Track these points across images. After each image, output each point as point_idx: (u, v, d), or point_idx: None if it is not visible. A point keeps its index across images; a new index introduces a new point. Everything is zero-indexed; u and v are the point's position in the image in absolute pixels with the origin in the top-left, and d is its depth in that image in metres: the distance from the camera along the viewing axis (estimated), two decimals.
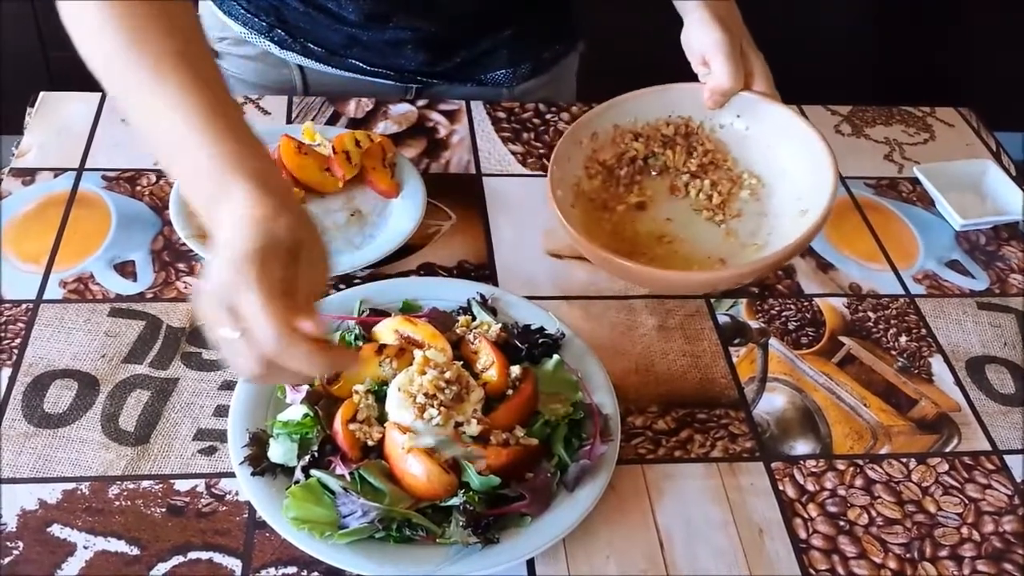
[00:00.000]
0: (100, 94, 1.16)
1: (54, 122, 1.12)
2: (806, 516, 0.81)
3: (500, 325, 0.87)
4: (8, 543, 0.73)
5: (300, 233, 0.67)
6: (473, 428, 0.77)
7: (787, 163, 0.91)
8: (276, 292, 0.64)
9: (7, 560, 0.72)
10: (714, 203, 0.93)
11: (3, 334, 0.87)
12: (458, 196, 1.08)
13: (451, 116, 1.20)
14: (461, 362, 0.82)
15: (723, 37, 0.90)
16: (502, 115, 1.21)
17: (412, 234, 1.01)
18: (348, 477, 0.74)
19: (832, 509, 0.82)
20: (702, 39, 0.91)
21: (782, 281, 1.03)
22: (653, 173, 0.96)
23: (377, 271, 0.98)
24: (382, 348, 0.83)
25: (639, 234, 0.93)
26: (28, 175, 1.04)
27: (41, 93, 1.15)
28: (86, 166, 1.06)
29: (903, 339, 0.98)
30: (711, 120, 0.96)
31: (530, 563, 0.76)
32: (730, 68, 0.90)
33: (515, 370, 0.82)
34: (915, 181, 1.18)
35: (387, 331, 0.86)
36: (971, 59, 2.58)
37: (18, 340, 0.87)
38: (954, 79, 2.50)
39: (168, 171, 0.77)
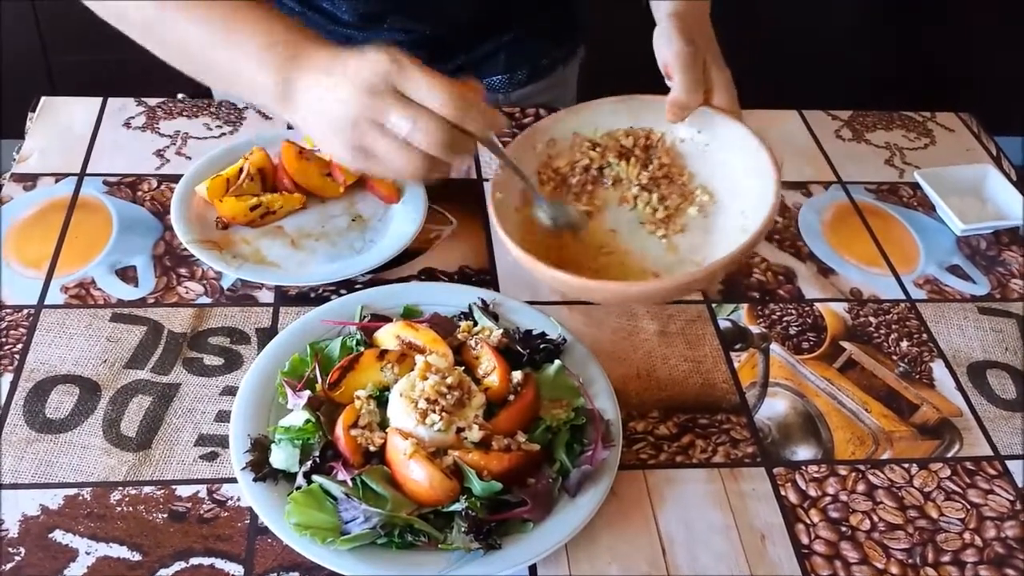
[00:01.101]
0: (101, 99, 1.16)
1: (55, 127, 1.12)
2: (808, 521, 0.81)
3: (502, 330, 0.87)
4: (10, 549, 0.73)
5: (389, 52, 0.74)
6: (475, 434, 0.77)
7: (738, 181, 0.89)
8: (425, 69, 0.72)
9: (9, 566, 0.72)
10: (658, 217, 0.91)
11: (4, 339, 0.87)
12: (459, 201, 1.08)
13: None
14: (463, 367, 0.82)
15: (684, 49, 0.87)
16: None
17: (413, 239, 1.01)
18: (350, 483, 0.74)
19: (834, 514, 0.82)
20: (664, 50, 0.88)
21: (783, 286, 1.03)
22: (607, 183, 0.95)
23: (378, 276, 0.98)
24: (383, 354, 0.83)
25: (579, 244, 0.92)
26: (29, 180, 1.04)
27: (42, 98, 1.16)
28: (87, 171, 1.06)
29: (904, 344, 0.98)
30: (672, 134, 0.94)
31: (532, 569, 0.76)
32: (689, 82, 0.87)
33: (517, 375, 0.82)
34: (916, 186, 1.18)
35: (388, 336, 0.86)
36: (971, 63, 2.59)
37: (19, 345, 0.87)
38: (954, 83, 2.50)
39: (220, 72, 0.83)
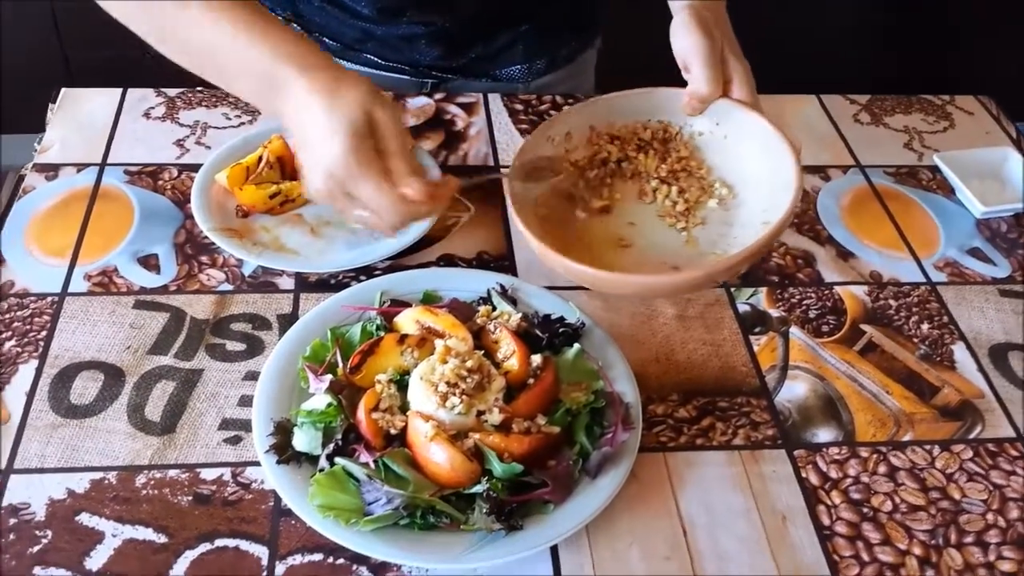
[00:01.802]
0: (121, 89, 1.17)
1: (76, 118, 1.13)
2: (829, 503, 0.81)
3: (520, 315, 0.88)
4: (37, 532, 0.74)
5: (365, 99, 0.76)
6: (495, 417, 0.77)
7: (758, 174, 0.88)
8: (376, 170, 0.76)
9: (36, 548, 0.72)
10: (678, 210, 0.91)
11: (29, 327, 0.88)
12: (477, 188, 1.08)
13: (468, 109, 1.20)
14: (482, 352, 0.83)
15: (703, 42, 0.87)
16: (519, 107, 1.21)
17: (431, 226, 1.01)
18: (372, 465, 0.74)
19: (856, 496, 0.82)
20: (682, 43, 0.88)
21: (802, 270, 1.03)
22: (625, 176, 0.95)
23: (397, 263, 0.98)
24: (403, 338, 0.83)
25: (596, 236, 0.92)
26: (51, 170, 1.05)
27: (63, 89, 1.16)
28: (108, 161, 1.07)
29: (925, 327, 0.98)
30: (691, 126, 0.93)
31: (553, 550, 0.76)
32: (708, 74, 0.87)
33: (536, 359, 0.83)
34: (935, 169, 1.18)
35: (408, 321, 0.86)
36: (991, 47, 2.56)
37: (44, 332, 0.88)
38: (973, 67, 2.48)
39: (214, 77, 0.83)
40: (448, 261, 1.00)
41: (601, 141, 0.95)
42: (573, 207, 0.93)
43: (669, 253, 0.89)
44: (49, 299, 0.91)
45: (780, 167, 0.84)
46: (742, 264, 0.80)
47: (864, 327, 0.97)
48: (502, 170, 0.88)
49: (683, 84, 0.91)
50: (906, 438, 0.87)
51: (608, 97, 0.95)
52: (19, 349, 0.86)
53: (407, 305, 0.89)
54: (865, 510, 0.81)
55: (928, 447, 0.86)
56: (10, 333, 0.88)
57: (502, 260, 1.00)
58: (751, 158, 0.89)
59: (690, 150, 0.94)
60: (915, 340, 0.96)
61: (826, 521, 0.80)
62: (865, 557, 0.78)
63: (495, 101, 1.22)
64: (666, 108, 0.94)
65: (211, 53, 0.81)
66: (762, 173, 0.87)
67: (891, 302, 1.00)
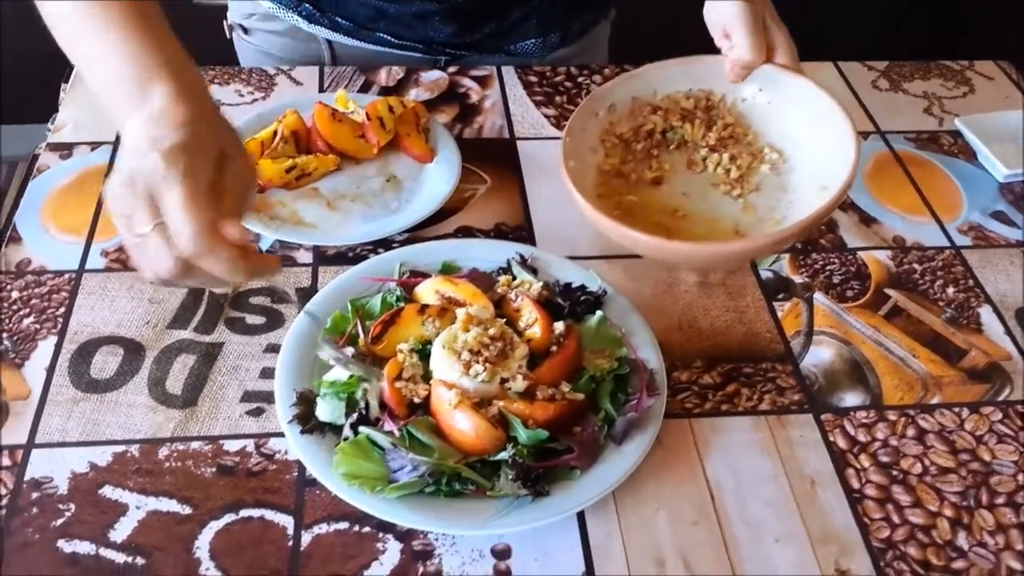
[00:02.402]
0: None
1: (88, 97, 1.11)
2: (858, 466, 0.80)
3: (541, 283, 0.87)
4: (60, 505, 0.73)
5: (225, 139, 0.67)
6: (519, 384, 0.76)
7: (809, 137, 0.88)
8: (202, 190, 0.63)
9: (60, 522, 0.72)
10: (732, 177, 0.90)
11: (47, 303, 0.88)
12: (493, 160, 1.08)
13: (482, 82, 1.19)
14: (504, 321, 0.82)
15: (744, 8, 0.87)
16: (534, 79, 1.20)
17: (448, 198, 1.00)
18: (397, 433, 0.73)
19: (885, 459, 0.81)
20: (723, 11, 0.88)
21: (825, 235, 1.02)
22: (671, 147, 0.94)
23: (414, 235, 0.98)
24: (424, 308, 0.82)
25: (652, 208, 0.91)
26: (65, 149, 1.05)
27: (75, 69, 1.15)
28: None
29: (950, 290, 0.96)
30: (733, 93, 0.93)
31: (580, 517, 0.75)
32: (752, 40, 0.87)
33: (559, 326, 0.82)
34: (956, 134, 1.16)
35: (428, 292, 0.86)
36: (1007, 10, 2.53)
37: (62, 309, 0.87)
38: (990, 31, 2.45)
39: (85, 79, 0.74)
40: (466, 233, 0.99)
41: (644, 112, 0.94)
42: (625, 183, 0.92)
43: (728, 221, 0.89)
44: (67, 276, 0.91)
45: (832, 128, 0.84)
46: (812, 226, 0.80)
47: (889, 291, 0.96)
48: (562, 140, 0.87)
49: (708, 52, 0.90)
50: (934, 401, 0.86)
51: (649, 68, 0.95)
52: (38, 326, 0.86)
53: (426, 276, 0.88)
54: (895, 473, 0.80)
55: (956, 410, 0.85)
56: (28, 310, 0.87)
57: (520, 231, 0.99)
58: (800, 122, 0.89)
59: (735, 117, 0.93)
60: (940, 304, 0.95)
61: (855, 484, 0.79)
62: (896, 519, 0.77)
63: (509, 73, 1.20)
64: (707, 76, 0.93)
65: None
66: (813, 136, 0.87)
67: (915, 266, 0.99)
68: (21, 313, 0.87)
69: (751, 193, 0.90)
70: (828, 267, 0.98)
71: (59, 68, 1.13)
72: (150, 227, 0.63)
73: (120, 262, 0.92)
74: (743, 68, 0.88)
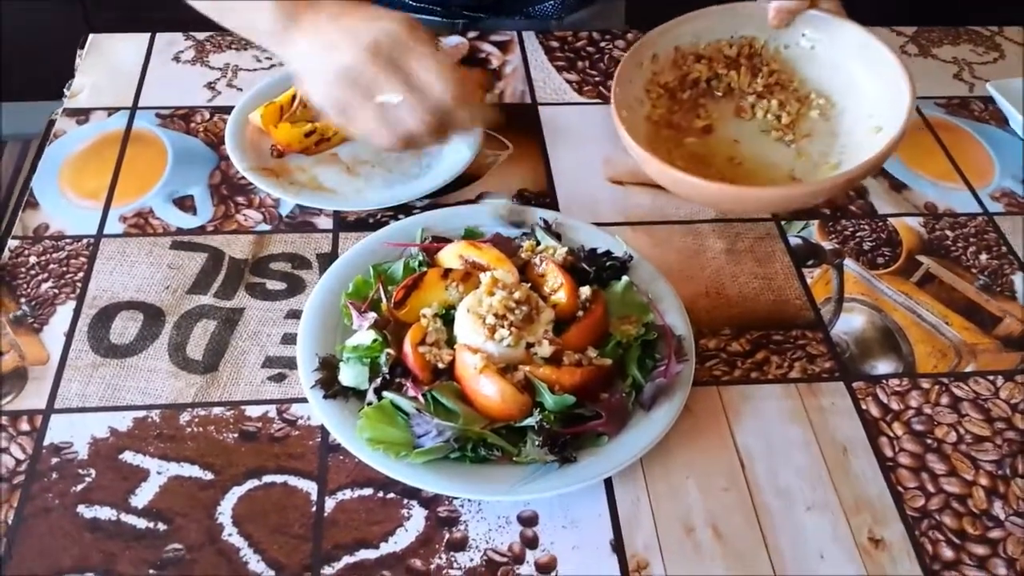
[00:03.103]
0: (149, 34, 1.15)
1: (105, 63, 1.11)
2: (892, 435, 0.78)
3: (566, 249, 0.85)
4: (80, 470, 0.72)
5: (397, 14, 0.73)
6: (545, 349, 0.75)
7: (857, 81, 0.88)
8: (431, 46, 0.71)
9: (80, 487, 0.71)
10: (783, 123, 0.90)
11: (65, 268, 0.87)
12: (514, 126, 1.06)
13: (503, 47, 1.17)
14: (529, 285, 0.80)
15: None
16: (555, 44, 1.18)
17: (469, 164, 0.98)
18: (421, 399, 0.72)
19: (918, 427, 0.79)
20: None
21: (854, 202, 0.99)
22: (717, 95, 0.93)
23: (435, 201, 0.96)
24: (447, 272, 0.81)
25: (707, 157, 0.90)
26: (82, 115, 1.03)
27: (90, 35, 1.14)
28: (139, 105, 1.05)
29: (983, 257, 0.94)
30: (776, 40, 0.92)
31: (608, 483, 0.74)
32: None
33: (585, 291, 0.80)
34: (987, 100, 1.14)
35: (451, 256, 0.84)
36: None
37: (81, 274, 0.86)
38: None
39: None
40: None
41: (688, 61, 0.93)
42: (675, 132, 0.91)
43: (784, 167, 0.88)
44: (85, 241, 0.89)
45: (880, 70, 0.84)
46: (874, 168, 0.79)
47: (920, 258, 0.94)
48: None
49: None
50: (968, 369, 0.84)
51: (689, 16, 0.94)
52: (56, 291, 0.85)
53: (449, 241, 0.87)
54: (929, 441, 0.78)
55: (991, 377, 0.83)
56: (47, 275, 0.86)
57: (543, 197, 0.98)
58: (846, 66, 0.88)
59: (780, 63, 0.92)
60: (974, 271, 0.93)
61: (889, 453, 0.77)
62: (930, 488, 0.75)
63: (530, 39, 1.18)
64: (749, 23, 0.93)
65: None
66: (861, 79, 0.87)
67: (947, 233, 0.97)
68: (39, 278, 0.86)
69: (803, 139, 0.89)
70: (858, 233, 0.96)
71: (64, 45, 1.12)
72: (402, 90, 0.71)
73: (138, 227, 0.91)
74: (787, 13, 0.87)
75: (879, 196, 1.00)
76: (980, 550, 0.71)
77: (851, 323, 0.87)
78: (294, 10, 0.77)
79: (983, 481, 0.76)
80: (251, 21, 0.81)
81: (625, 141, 0.83)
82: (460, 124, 0.76)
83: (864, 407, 0.80)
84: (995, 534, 0.72)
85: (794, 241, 0.95)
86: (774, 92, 0.92)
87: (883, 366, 0.84)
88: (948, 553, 0.71)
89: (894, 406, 0.81)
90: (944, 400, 0.81)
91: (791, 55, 0.92)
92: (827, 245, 0.94)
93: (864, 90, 0.87)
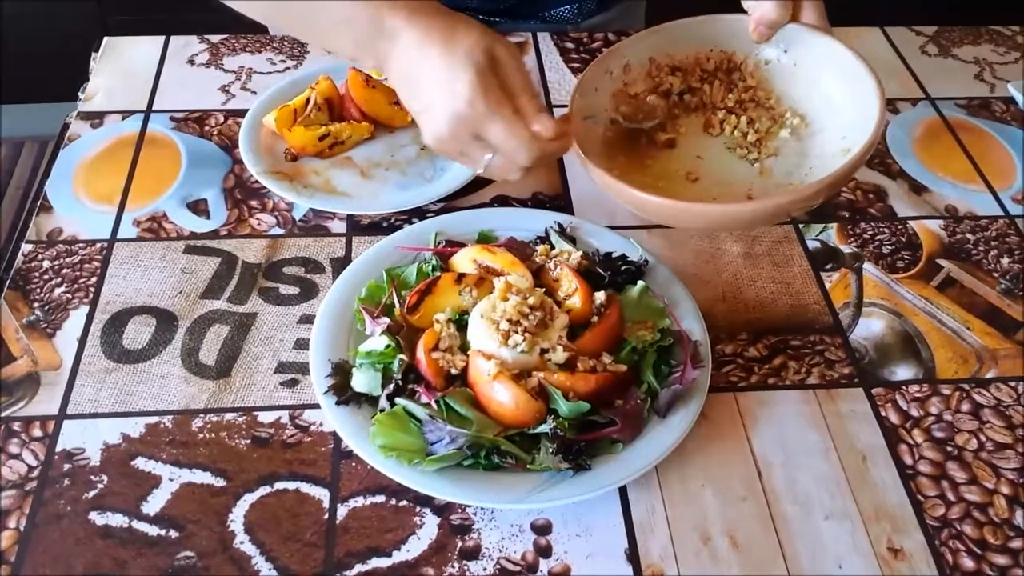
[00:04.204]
0: (164, 37, 1.15)
1: (119, 66, 1.11)
2: (911, 442, 0.77)
3: (581, 253, 0.84)
4: (92, 476, 0.72)
5: (484, 39, 0.72)
6: (559, 355, 0.74)
7: (834, 100, 0.82)
8: (507, 108, 0.71)
9: (92, 493, 0.71)
10: (749, 140, 0.86)
11: (78, 273, 0.87)
12: None
13: (518, 49, 1.16)
14: (543, 290, 0.79)
15: None
16: (570, 46, 1.17)
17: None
18: (434, 405, 0.71)
19: (939, 435, 0.78)
20: None
21: (874, 204, 0.98)
22: (689, 108, 0.90)
23: (449, 204, 0.95)
24: (461, 277, 0.80)
25: (664, 170, 0.88)
26: (96, 118, 1.03)
27: (105, 38, 1.14)
28: (153, 108, 1.05)
29: (1005, 260, 0.93)
30: (756, 55, 0.88)
31: (623, 491, 0.73)
32: None
33: (599, 296, 0.79)
34: (1009, 100, 1.12)
35: (465, 261, 0.83)
36: None
37: (94, 278, 0.86)
38: None
39: (306, 30, 0.82)
40: (502, 202, 0.97)
41: (662, 73, 0.90)
42: (636, 143, 0.89)
43: (742, 185, 0.84)
44: (98, 245, 0.89)
45: (858, 91, 0.79)
46: (826, 191, 0.74)
47: (941, 262, 0.93)
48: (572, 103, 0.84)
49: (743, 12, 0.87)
50: (990, 375, 0.83)
51: (668, 26, 0.90)
52: (69, 295, 0.85)
53: (462, 246, 0.86)
54: (949, 448, 0.77)
55: (1013, 384, 0.82)
56: (60, 279, 0.86)
57: (558, 200, 0.97)
58: (825, 84, 0.84)
59: (757, 79, 0.89)
60: (995, 275, 0.92)
61: (908, 460, 0.76)
62: (951, 496, 0.74)
63: (545, 40, 1.17)
64: (730, 36, 0.89)
65: (305, 4, 0.75)
66: (838, 99, 0.82)
67: (968, 236, 0.95)
68: (52, 282, 0.86)
69: (769, 158, 0.85)
70: (878, 237, 0.95)
71: (81, 46, 1.13)
72: (490, 156, 0.74)
73: (152, 231, 0.91)
74: (767, 27, 0.84)
75: (899, 199, 0.99)
76: (1001, 560, 0.70)
77: (870, 328, 0.86)
78: (379, 42, 0.74)
79: (1004, 489, 0.74)
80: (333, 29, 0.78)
81: (577, 152, 0.80)
82: (554, 155, 0.77)
83: (883, 414, 0.79)
84: (1016, 544, 0.71)
85: (812, 244, 0.93)
86: (747, 108, 0.88)
87: (903, 372, 0.83)
88: (968, 563, 0.70)
89: (914, 413, 0.79)
90: (965, 407, 0.80)
91: (771, 71, 0.88)
92: (846, 249, 0.93)
93: (839, 111, 0.82)
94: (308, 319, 0.83)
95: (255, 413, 0.76)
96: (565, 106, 1.06)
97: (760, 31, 0.85)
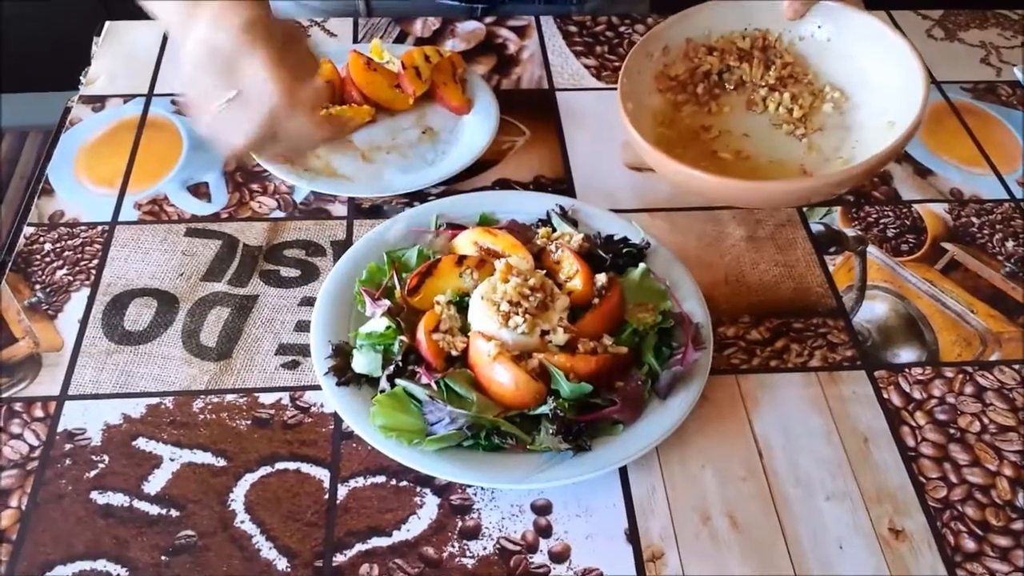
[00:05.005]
0: None
1: (121, 50, 1.10)
2: (914, 424, 0.77)
3: (582, 235, 0.84)
4: (93, 456, 0.72)
5: (287, 28, 0.69)
6: (560, 337, 0.74)
7: (873, 74, 0.84)
8: (277, 58, 0.66)
9: (93, 473, 0.71)
10: (795, 117, 0.87)
11: (80, 255, 0.87)
12: (531, 111, 1.05)
13: (521, 32, 1.16)
14: (544, 273, 0.79)
15: None
16: (573, 29, 1.16)
17: (485, 150, 0.97)
18: (434, 386, 0.71)
19: (941, 417, 0.78)
20: None
21: (878, 188, 0.98)
22: (728, 88, 0.91)
23: (451, 188, 0.95)
24: (462, 259, 0.80)
25: (715, 151, 0.88)
26: (98, 102, 1.03)
27: (106, 23, 1.14)
28: (155, 92, 1.05)
29: (1010, 244, 0.92)
30: (790, 32, 0.89)
31: (623, 472, 0.73)
32: None
33: (600, 278, 0.79)
34: (1015, 84, 1.11)
35: (466, 243, 0.83)
36: None
37: (95, 261, 0.86)
38: None
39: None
40: (504, 185, 0.96)
41: (699, 54, 0.91)
42: (685, 126, 0.89)
43: (794, 161, 0.85)
44: (100, 228, 0.89)
45: (896, 63, 0.80)
46: (882, 164, 0.76)
47: (946, 245, 0.92)
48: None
49: None
50: (993, 357, 0.82)
51: (702, 8, 0.91)
52: (71, 277, 0.85)
53: (464, 228, 0.86)
54: (952, 431, 0.77)
55: (1017, 367, 0.82)
56: (61, 262, 0.86)
57: (560, 183, 0.96)
58: (862, 58, 0.85)
59: (793, 56, 0.89)
60: (1000, 258, 0.91)
61: (911, 443, 0.76)
62: (953, 479, 0.73)
63: (548, 23, 1.17)
64: (763, 15, 0.90)
65: None
66: (876, 72, 0.83)
67: (973, 219, 0.95)
68: (54, 265, 0.86)
69: (814, 133, 0.86)
70: (882, 220, 0.94)
71: (84, 35, 1.12)
72: (230, 95, 0.67)
73: (153, 214, 0.91)
74: (801, 4, 0.85)
75: (903, 182, 0.98)
76: (1003, 541, 0.70)
77: (874, 311, 0.86)
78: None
79: (1007, 471, 0.74)
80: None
81: (630, 134, 0.80)
82: (294, 137, 0.72)
83: (886, 396, 0.79)
84: (1018, 525, 0.71)
85: (816, 228, 0.93)
86: (787, 85, 0.89)
87: (906, 354, 0.82)
88: (970, 544, 0.70)
89: (917, 395, 0.79)
90: (968, 389, 0.80)
91: (806, 47, 0.89)
92: (850, 232, 0.93)
93: (879, 84, 0.84)
94: (309, 301, 0.83)
95: (256, 394, 0.76)
96: (567, 89, 1.07)
97: (794, 8, 0.86)
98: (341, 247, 0.88)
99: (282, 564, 0.66)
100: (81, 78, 1.07)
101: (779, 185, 0.79)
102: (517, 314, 0.73)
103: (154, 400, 0.76)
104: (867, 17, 0.83)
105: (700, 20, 0.90)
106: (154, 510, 0.69)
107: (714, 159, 0.86)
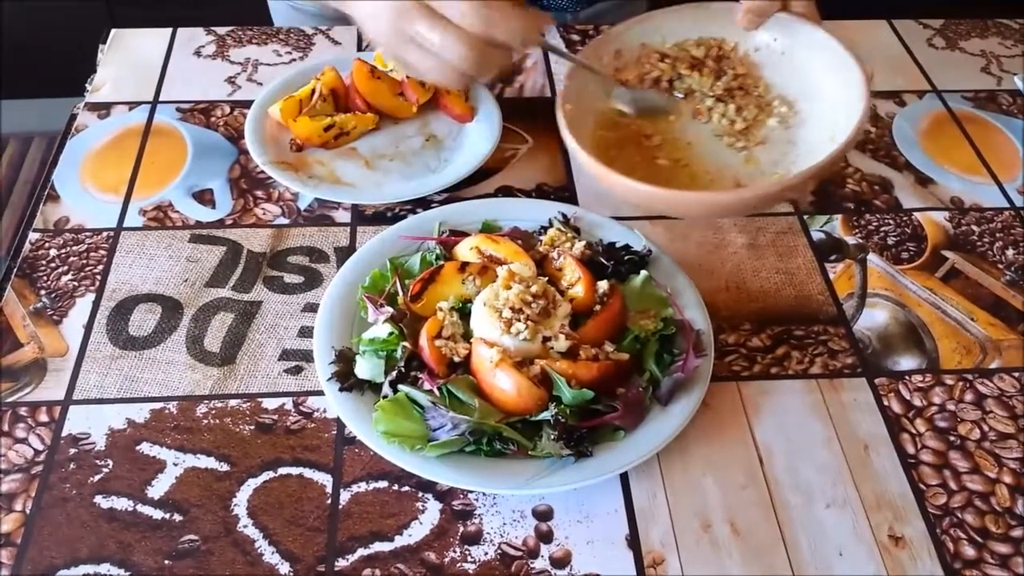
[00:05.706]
0: (171, 29, 1.15)
1: (127, 57, 1.11)
2: (914, 431, 0.77)
3: (584, 242, 0.85)
4: (97, 461, 0.73)
5: None
6: (561, 343, 0.74)
7: (822, 89, 0.83)
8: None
9: (97, 477, 0.71)
10: (736, 128, 0.86)
11: (85, 261, 0.87)
12: (534, 119, 1.05)
13: None
14: (546, 280, 0.80)
15: None
16: (576, 37, 1.17)
17: (488, 157, 0.98)
18: (437, 392, 0.72)
19: (941, 424, 0.78)
20: None
21: (879, 196, 0.98)
22: (678, 96, 0.90)
23: (454, 195, 0.95)
24: (464, 266, 0.80)
25: (654, 157, 0.88)
26: (103, 109, 1.04)
27: (112, 30, 1.15)
28: (160, 99, 1.05)
29: (1010, 252, 0.93)
30: (746, 43, 0.89)
31: (624, 478, 0.73)
32: None
33: (602, 285, 0.79)
34: (1015, 93, 1.12)
35: (468, 250, 0.84)
36: None
37: (100, 267, 0.87)
38: None
39: None
40: (507, 193, 0.97)
41: (652, 60, 0.90)
42: (627, 132, 0.89)
43: (730, 173, 0.85)
44: (105, 234, 0.90)
45: (845, 82, 0.79)
46: (811, 180, 0.75)
47: (946, 253, 0.92)
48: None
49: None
50: (993, 365, 0.83)
51: (658, 13, 0.90)
52: (76, 283, 0.85)
53: (466, 235, 0.86)
54: (952, 438, 0.77)
55: (1017, 374, 0.82)
56: (66, 268, 0.87)
57: (562, 191, 0.97)
58: (813, 74, 0.84)
59: (746, 67, 0.89)
60: (1000, 266, 0.91)
61: (911, 450, 0.76)
62: (953, 486, 0.74)
63: (550, 32, 1.18)
64: (720, 23, 0.89)
65: None
66: (826, 89, 0.82)
67: (974, 228, 0.95)
68: (60, 271, 0.86)
69: (756, 146, 0.85)
70: (883, 228, 0.94)
71: (90, 41, 1.13)
72: (441, 29, 0.70)
73: (158, 221, 0.91)
74: (757, 15, 0.84)
75: (904, 190, 0.99)
76: (1002, 548, 0.70)
77: (874, 318, 0.86)
78: None
79: (1007, 479, 0.74)
80: None
81: (563, 135, 0.80)
82: (506, 40, 0.72)
83: (886, 403, 0.79)
84: (1018, 532, 0.71)
85: (817, 236, 0.93)
86: (735, 96, 0.89)
87: (906, 362, 0.83)
88: (970, 551, 0.70)
89: (917, 402, 0.79)
90: (968, 397, 0.80)
91: (760, 59, 0.88)
92: (851, 240, 0.93)
93: (827, 101, 0.82)
94: (312, 307, 0.84)
95: (259, 399, 0.77)
96: None
97: (749, 18, 0.85)
98: (344, 253, 0.88)
99: (284, 569, 0.67)
100: (87, 85, 1.08)
101: (701, 196, 0.78)
102: (519, 321, 0.74)
103: (158, 405, 0.76)
104: (819, 32, 0.82)
105: (655, 25, 0.89)
106: (158, 514, 0.69)
107: (651, 165, 0.85)
